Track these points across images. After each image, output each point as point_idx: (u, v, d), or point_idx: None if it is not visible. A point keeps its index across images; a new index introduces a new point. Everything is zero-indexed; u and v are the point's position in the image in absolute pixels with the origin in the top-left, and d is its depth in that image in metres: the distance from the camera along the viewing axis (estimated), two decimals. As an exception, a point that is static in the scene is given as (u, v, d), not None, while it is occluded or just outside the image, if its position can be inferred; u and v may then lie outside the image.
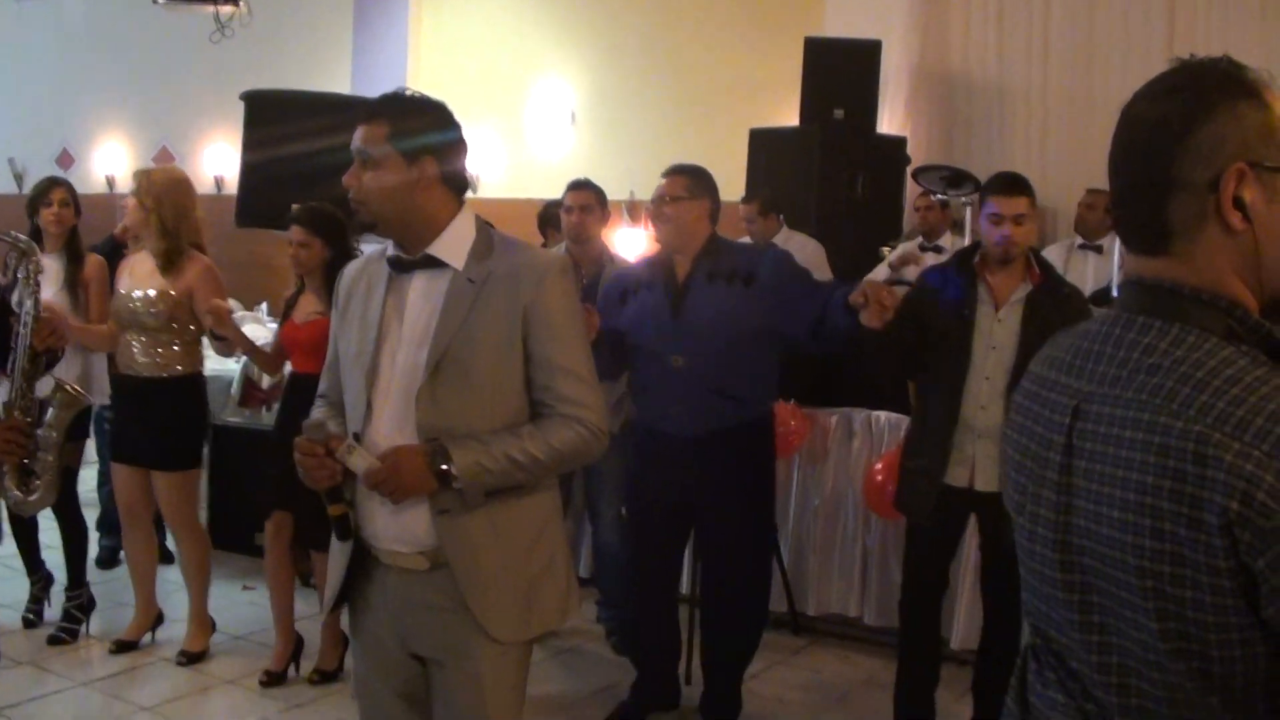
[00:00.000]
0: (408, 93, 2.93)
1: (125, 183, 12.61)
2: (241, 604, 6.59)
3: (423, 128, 2.84)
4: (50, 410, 3.71)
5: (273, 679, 5.49)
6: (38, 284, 3.68)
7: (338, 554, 3.01)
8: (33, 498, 3.65)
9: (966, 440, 4.61)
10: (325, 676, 5.50)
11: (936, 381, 4.71)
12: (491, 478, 2.75)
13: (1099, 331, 1.72)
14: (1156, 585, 1.55)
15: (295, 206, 5.39)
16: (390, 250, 2.95)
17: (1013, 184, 4.66)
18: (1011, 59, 8.83)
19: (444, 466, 2.72)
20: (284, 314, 5.54)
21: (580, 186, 6.01)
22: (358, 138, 2.85)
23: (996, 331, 4.60)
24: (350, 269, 3.10)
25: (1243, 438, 1.47)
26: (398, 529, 2.86)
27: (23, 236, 3.83)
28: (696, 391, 4.72)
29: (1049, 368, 1.80)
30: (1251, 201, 1.60)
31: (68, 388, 3.76)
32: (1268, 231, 1.61)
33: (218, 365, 6.85)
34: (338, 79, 11.09)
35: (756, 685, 5.56)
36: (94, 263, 5.89)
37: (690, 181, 4.82)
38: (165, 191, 5.43)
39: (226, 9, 9.45)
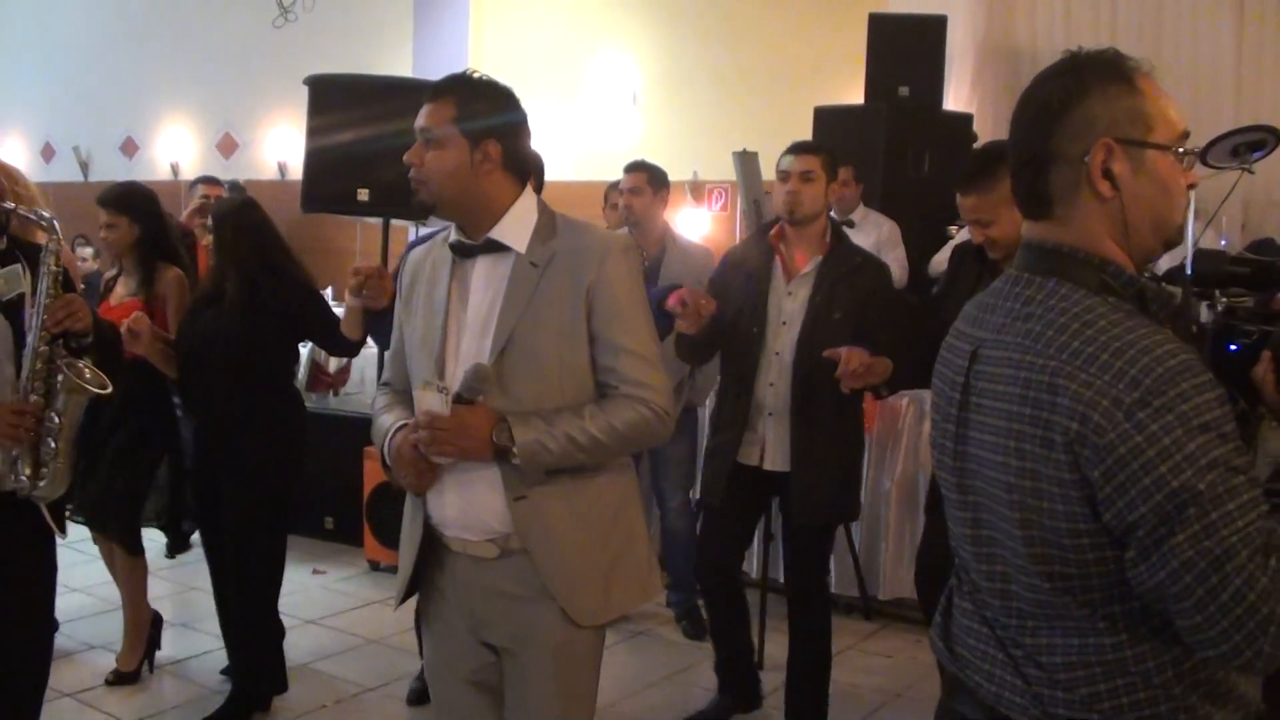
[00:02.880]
0: (475, 74, 2.89)
1: (190, 170, 12.74)
2: (313, 588, 6.64)
3: (488, 110, 2.81)
4: (61, 396, 3.62)
5: (121, 678, 5.31)
6: (57, 264, 3.59)
7: (407, 542, 3.00)
8: (42, 485, 3.58)
9: (758, 418, 4.57)
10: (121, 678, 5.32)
11: (732, 359, 4.67)
12: (551, 456, 2.73)
13: (999, 288, 2.01)
14: (1020, 499, 1.85)
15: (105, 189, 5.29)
16: (452, 235, 2.93)
17: (803, 144, 4.68)
18: (1078, 32, 8.68)
19: (503, 442, 2.70)
20: (103, 294, 5.38)
21: (631, 169, 6.01)
22: (422, 116, 2.82)
23: (786, 305, 4.56)
24: (415, 254, 3.08)
25: (1088, 370, 1.75)
26: (467, 516, 2.84)
27: (45, 214, 3.73)
28: None
29: (962, 322, 2.09)
30: (1120, 173, 1.86)
31: (84, 373, 3.65)
32: (1134, 199, 1.87)
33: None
34: (399, 62, 11.09)
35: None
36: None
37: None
38: None
39: (289, -6, 9.47)
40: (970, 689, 2.05)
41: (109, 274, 5.54)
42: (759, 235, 4.82)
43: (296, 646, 5.71)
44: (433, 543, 2.95)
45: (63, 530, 3.73)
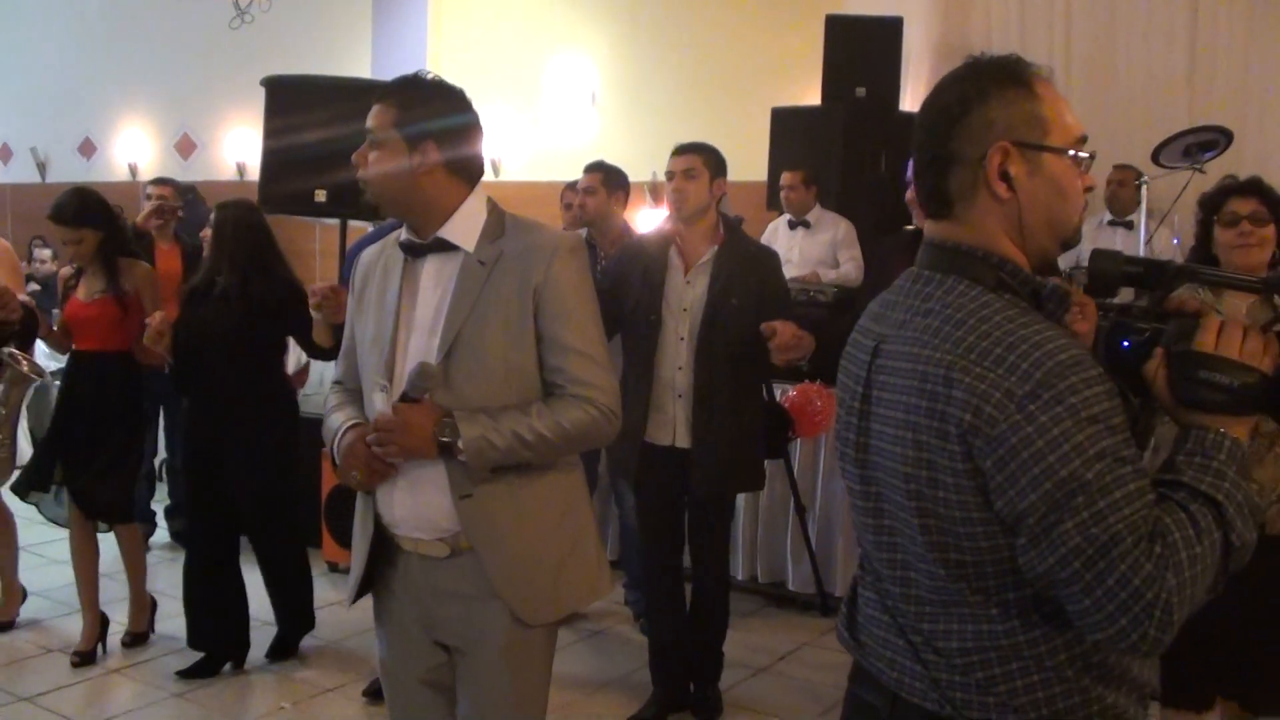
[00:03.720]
0: (426, 76, 2.89)
1: (147, 170, 12.68)
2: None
3: (428, 113, 2.81)
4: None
5: (84, 659, 5.57)
6: None
7: (359, 540, 3.00)
8: None
9: (667, 400, 4.82)
10: (136, 639, 5.81)
11: (632, 345, 4.90)
12: (497, 454, 2.72)
13: (901, 285, 2.05)
14: (917, 488, 1.90)
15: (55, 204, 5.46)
16: (403, 234, 2.94)
17: (684, 144, 4.93)
18: (1034, 33, 8.76)
19: (448, 439, 2.70)
20: (64, 294, 5.59)
21: (588, 169, 6.09)
22: (369, 118, 2.85)
23: (686, 294, 4.81)
24: (367, 254, 3.08)
25: (983, 363, 1.79)
26: (417, 515, 2.85)
27: None
28: None
29: (865, 318, 2.13)
30: (1016, 175, 1.91)
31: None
32: (1030, 200, 1.92)
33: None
34: (358, 63, 11.06)
35: (786, 666, 5.57)
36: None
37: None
38: None
39: (246, -5, 9.44)
40: (873, 675, 2.09)
41: (66, 273, 5.68)
42: (659, 230, 5.12)
43: (254, 648, 5.71)
44: (385, 542, 2.95)
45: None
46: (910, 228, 7.67)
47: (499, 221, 2.88)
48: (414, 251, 2.90)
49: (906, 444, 1.91)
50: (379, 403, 2.81)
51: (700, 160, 4.84)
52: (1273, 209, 3.89)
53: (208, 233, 5.38)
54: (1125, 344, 2.00)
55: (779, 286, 5.01)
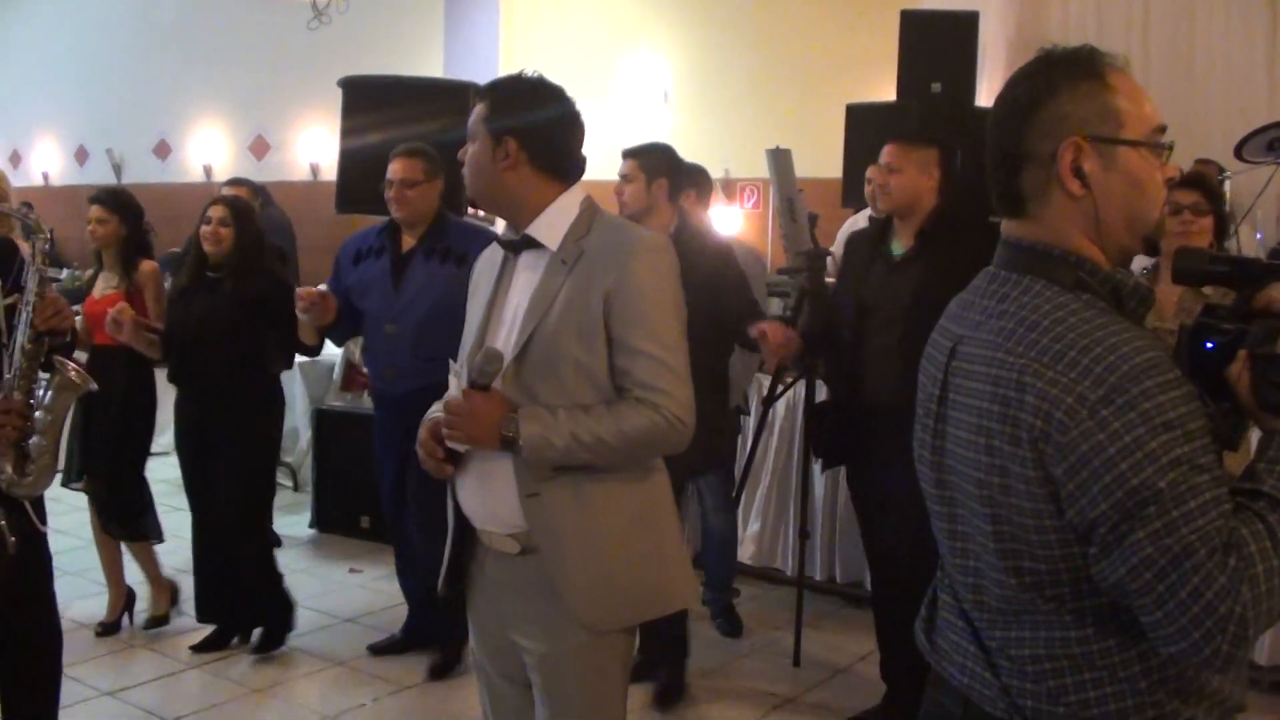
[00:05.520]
0: (528, 74, 2.91)
1: (222, 172, 12.81)
2: (351, 587, 6.67)
3: (511, 108, 2.83)
4: (49, 393, 3.68)
5: (107, 629, 5.87)
6: (45, 263, 3.65)
7: (451, 531, 3.00)
8: (26, 480, 3.62)
9: None
10: (155, 622, 5.97)
11: None
12: (555, 453, 2.68)
13: (978, 285, 2.02)
14: (990, 495, 1.87)
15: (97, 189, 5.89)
16: (505, 231, 2.97)
17: (625, 150, 5.16)
18: (1111, 26, 8.65)
19: (510, 434, 2.68)
20: (84, 292, 5.84)
21: (624, 155, 5.96)
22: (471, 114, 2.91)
23: None
24: (485, 253, 3.09)
25: (1056, 367, 1.76)
26: (487, 509, 2.85)
27: (32, 214, 3.82)
28: (404, 355, 5.21)
29: (945, 318, 2.11)
30: (1090, 171, 1.87)
31: (69, 371, 3.71)
32: (1105, 196, 1.88)
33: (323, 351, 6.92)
34: (431, 63, 11.14)
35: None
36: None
37: (425, 165, 5.28)
38: None
39: (324, -4, 9.52)
40: (946, 680, 2.08)
41: (87, 273, 6.02)
42: None
43: (335, 645, 5.77)
44: (470, 534, 2.96)
45: (44, 523, 3.80)
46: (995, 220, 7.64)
47: (588, 220, 2.85)
48: (510, 248, 2.91)
49: (980, 449, 1.88)
50: (453, 388, 2.81)
51: (635, 164, 5.02)
52: (1212, 202, 4.31)
53: (205, 228, 5.49)
54: (1209, 345, 1.93)
55: (735, 280, 5.11)
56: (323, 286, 5.38)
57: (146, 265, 5.80)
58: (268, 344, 5.50)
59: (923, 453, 2.09)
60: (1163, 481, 1.68)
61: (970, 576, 1.99)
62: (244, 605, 5.67)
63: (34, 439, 3.60)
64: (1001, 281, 1.95)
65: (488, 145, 2.82)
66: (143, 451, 5.82)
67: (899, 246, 4.61)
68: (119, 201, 5.77)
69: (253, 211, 5.74)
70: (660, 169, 5.04)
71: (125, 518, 5.78)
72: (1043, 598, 1.86)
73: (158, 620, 5.98)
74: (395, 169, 5.31)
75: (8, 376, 3.53)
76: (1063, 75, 1.89)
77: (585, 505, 2.78)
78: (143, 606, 6.02)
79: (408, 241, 5.35)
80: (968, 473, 1.92)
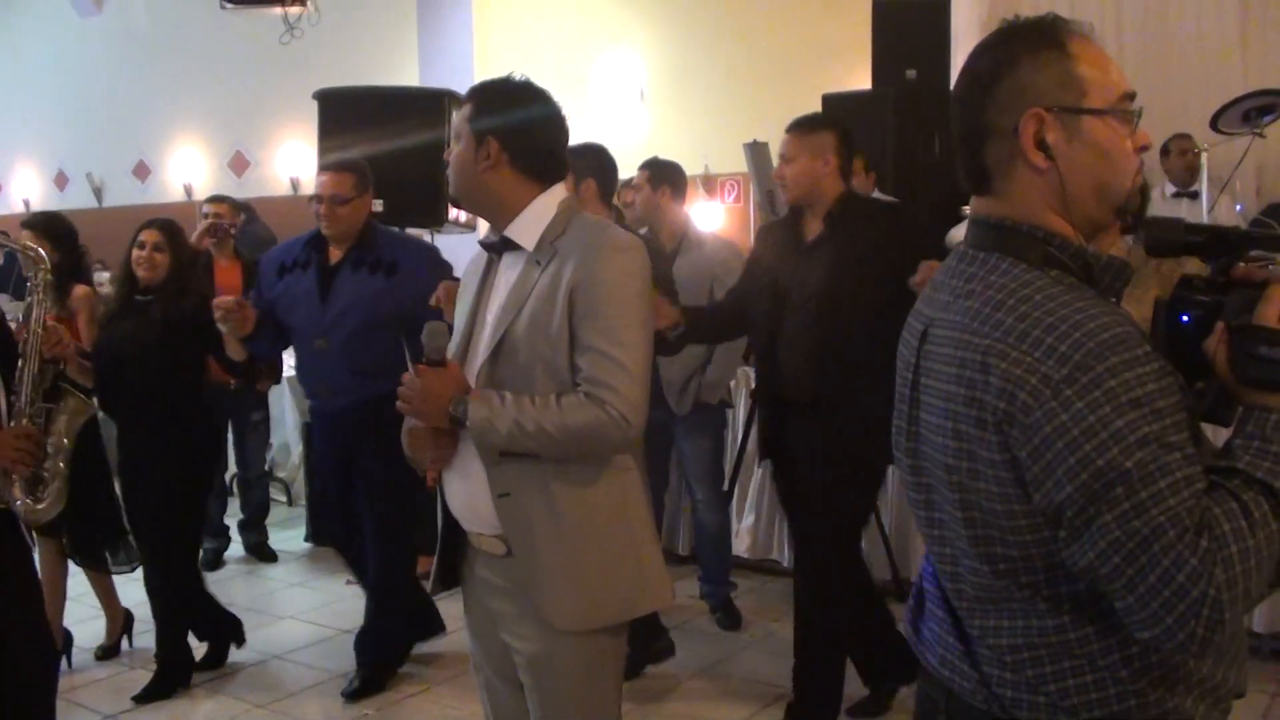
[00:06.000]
0: (514, 78, 2.94)
1: (202, 190, 12.80)
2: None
3: (496, 111, 2.86)
4: (59, 418, 3.74)
5: (107, 652, 5.86)
6: (46, 293, 3.71)
7: (441, 532, 3.01)
8: (41, 506, 3.67)
9: None
10: (107, 652, 5.89)
11: None
12: (499, 438, 2.70)
13: (948, 265, 1.96)
14: (959, 480, 1.82)
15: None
16: (488, 233, 3.00)
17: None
18: (1084, 6, 8.67)
19: (457, 414, 2.72)
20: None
21: (639, 168, 6.09)
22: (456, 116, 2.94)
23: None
24: (473, 255, 3.12)
25: (1020, 347, 1.70)
26: (471, 510, 2.86)
27: (32, 246, 3.86)
28: (337, 370, 5.07)
29: (919, 300, 2.04)
30: (1054, 143, 1.80)
31: (78, 395, 3.78)
32: (1070, 168, 1.81)
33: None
34: (406, 70, 11.14)
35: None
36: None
37: (355, 180, 5.12)
38: None
39: (295, 9, 9.51)
40: (928, 671, 2.04)
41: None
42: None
43: (333, 656, 5.77)
44: (460, 536, 2.97)
45: (34, 543, 3.82)
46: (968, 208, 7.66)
47: (564, 221, 2.86)
48: (491, 249, 2.95)
49: (948, 434, 1.82)
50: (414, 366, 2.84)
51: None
52: None
53: (138, 252, 5.29)
54: (1184, 318, 1.86)
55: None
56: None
57: (80, 290, 5.77)
58: (199, 367, 5.38)
59: (899, 439, 2.03)
60: (1129, 462, 1.62)
61: (948, 565, 1.94)
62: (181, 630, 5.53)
63: (46, 463, 3.65)
64: (970, 260, 1.89)
65: (471, 145, 2.86)
66: (104, 478, 5.53)
67: (809, 233, 4.55)
68: (49, 226, 5.65)
69: (183, 234, 5.52)
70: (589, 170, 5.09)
71: (84, 545, 5.57)
72: (1017, 585, 1.81)
73: (109, 651, 5.89)
74: (324, 184, 5.13)
75: (19, 404, 3.57)
76: (1022, 45, 1.83)
77: (555, 505, 2.78)
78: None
79: (335, 254, 5.18)
80: (938, 458, 1.87)
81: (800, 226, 4.61)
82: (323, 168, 5.23)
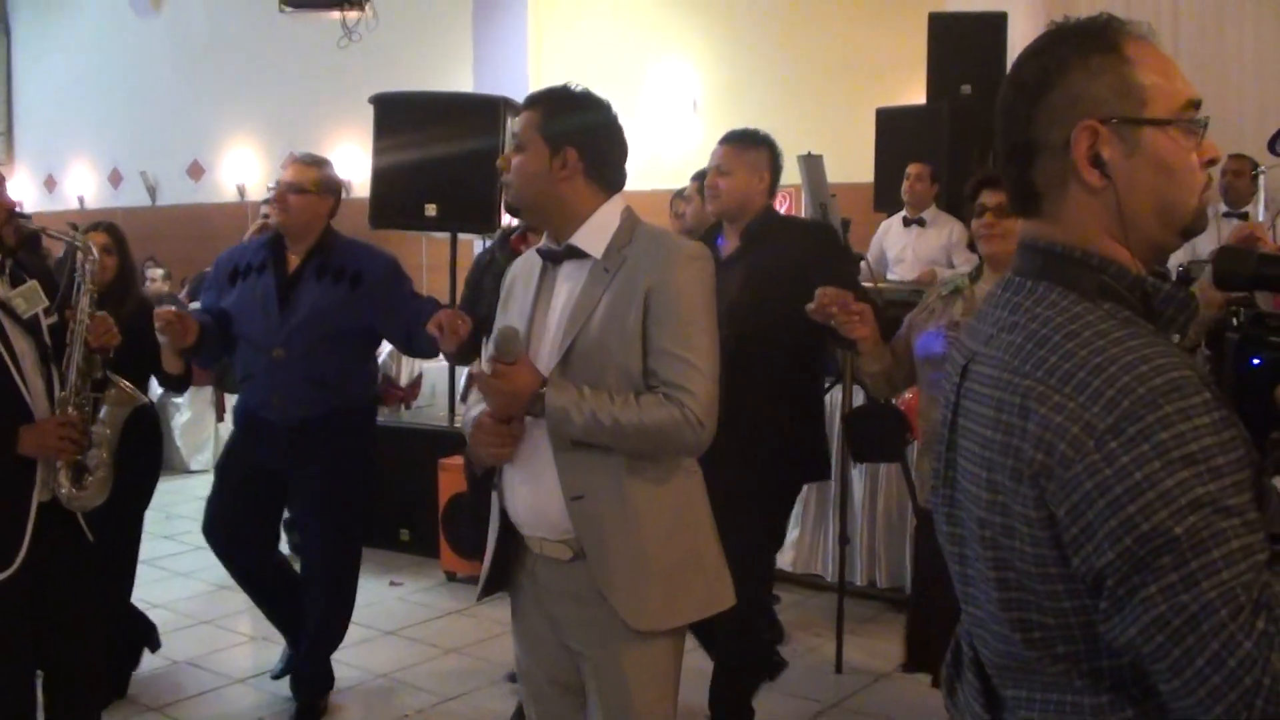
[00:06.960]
0: (574, 87, 2.95)
1: (255, 191, 12.90)
2: (390, 600, 6.70)
3: (570, 119, 2.88)
4: (104, 407, 3.77)
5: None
6: (94, 282, 3.74)
7: (491, 538, 3.04)
8: (84, 493, 3.69)
9: None
10: None
11: None
12: (574, 429, 2.73)
13: (993, 293, 1.74)
14: (992, 536, 1.60)
15: None
16: (543, 241, 3.00)
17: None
18: (1140, 11, 8.61)
19: (539, 403, 2.74)
20: None
21: (692, 179, 6.09)
22: (515, 123, 2.94)
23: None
24: (516, 263, 3.14)
25: (1063, 390, 1.48)
26: (537, 515, 2.88)
27: (80, 235, 3.88)
28: (295, 381, 4.81)
29: (963, 331, 1.83)
30: (1110, 158, 1.58)
31: (122, 385, 3.80)
32: (1129, 186, 1.59)
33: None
34: (460, 77, 11.20)
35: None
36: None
37: (318, 177, 4.93)
38: None
39: (353, 14, 9.57)
40: None
41: None
42: (501, 240, 5.05)
43: (375, 658, 5.78)
44: (515, 540, 2.99)
45: (93, 534, 3.82)
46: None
47: (630, 230, 2.90)
48: (551, 258, 2.95)
49: (982, 484, 1.61)
50: (492, 350, 2.84)
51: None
52: None
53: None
54: (1256, 361, 1.71)
55: None
56: (195, 304, 4.99)
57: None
58: (139, 376, 4.97)
59: (936, 483, 1.80)
60: (1179, 527, 1.40)
61: (980, 628, 1.73)
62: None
63: (91, 451, 3.69)
64: (1016, 289, 1.67)
65: (543, 154, 2.86)
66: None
67: (726, 249, 4.48)
68: (114, 231, 5.33)
69: (126, 239, 5.23)
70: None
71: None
72: (1051, 657, 1.59)
73: None
74: (287, 171, 4.95)
75: (62, 393, 3.62)
76: (1073, 50, 1.60)
77: (629, 507, 2.82)
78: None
79: (293, 260, 4.93)
80: (972, 509, 1.65)
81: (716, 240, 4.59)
82: (292, 158, 5.07)
